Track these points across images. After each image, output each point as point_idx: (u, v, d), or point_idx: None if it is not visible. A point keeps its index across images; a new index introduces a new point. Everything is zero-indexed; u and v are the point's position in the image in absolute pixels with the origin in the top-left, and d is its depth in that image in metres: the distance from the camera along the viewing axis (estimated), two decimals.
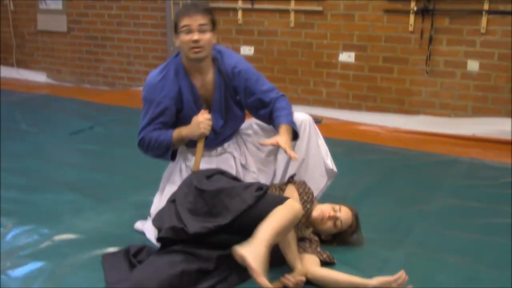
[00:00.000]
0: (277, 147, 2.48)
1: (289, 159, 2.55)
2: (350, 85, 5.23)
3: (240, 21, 5.62)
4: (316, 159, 2.69)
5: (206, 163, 2.62)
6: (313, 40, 5.30)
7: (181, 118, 2.56)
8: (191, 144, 2.61)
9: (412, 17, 4.76)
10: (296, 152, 2.49)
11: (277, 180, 2.72)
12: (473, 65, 4.65)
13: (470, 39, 4.61)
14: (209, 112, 2.56)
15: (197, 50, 2.40)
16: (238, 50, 5.64)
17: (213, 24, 2.48)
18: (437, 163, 3.93)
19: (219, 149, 2.73)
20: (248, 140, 2.76)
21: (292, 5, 5.30)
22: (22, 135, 4.56)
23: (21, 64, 7.45)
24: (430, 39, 4.72)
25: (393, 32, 4.90)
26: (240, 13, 5.59)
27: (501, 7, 4.44)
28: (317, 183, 2.71)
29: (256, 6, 5.47)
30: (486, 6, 4.47)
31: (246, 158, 2.75)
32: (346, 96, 5.27)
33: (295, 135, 2.56)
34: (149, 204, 2.76)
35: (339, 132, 4.77)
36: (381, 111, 5.10)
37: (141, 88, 6.25)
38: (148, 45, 6.35)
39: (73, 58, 6.99)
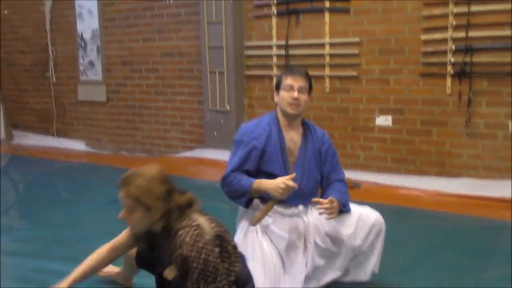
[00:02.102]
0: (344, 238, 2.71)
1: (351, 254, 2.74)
2: (388, 148, 5.18)
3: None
4: (366, 256, 2.78)
5: (280, 220, 2.72)
6: (349, 105, 5.33)
7: (264, 162, 2.71)
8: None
9: (449, 80, 4.75)
10: (357, 238, 2.70)
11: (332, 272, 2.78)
12: None
13: (510, 100, 4.56)
14: (292, 165, 2.73)
15: (295, 106, 2.66)
16: None
17: (310, 88, 2.75)
18: (486, 228, 3.80)
19: (294, 209, 2.77)
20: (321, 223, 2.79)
21: (327, 71, 5.37)
22: (64, 204, 4.62)
23: (61, 133, 7.66)
24: (469, 101, 4.68)
25: (430, 95, 4.89)
26: (275, 80, 5.68)
27: None
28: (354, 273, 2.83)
29: None
30: None
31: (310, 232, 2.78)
32: (385, 159, 5.21)
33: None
34: None
35: (379, 196, 4.68)
36: (421, 174, 5.00)
37: (177, 155, 6.36)
38: (185, 112, 6.48)
39: (111, 127, 7.16)
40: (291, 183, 2.51)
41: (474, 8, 4.57)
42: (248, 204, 2.73)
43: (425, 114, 4.95)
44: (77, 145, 7.45)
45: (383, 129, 5.18)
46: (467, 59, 4.63)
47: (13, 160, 6.47)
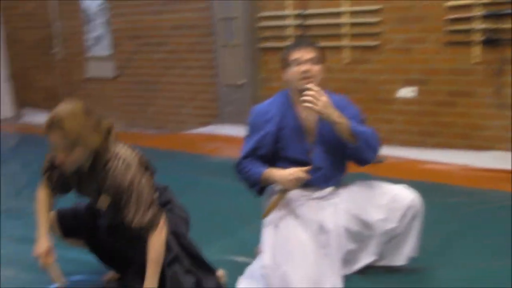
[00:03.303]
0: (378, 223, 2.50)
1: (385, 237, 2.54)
2: (411, 121, 4.97)
3: None
4: (402, 240, 2.58)
5: (307, 203, 2.56)
6: (370, 76, 5.10)
7: (281, 147, 2.56)
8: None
9: (476, 48, 4.51)
10: (390, 220, 2.48)
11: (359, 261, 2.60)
12: None
13: None
14: (312, 145, 2.53)
15: (307, 79, 2.43)
16: None
17: (321, 58, 2.51)
18: None
19: (321, 191, 2.60)
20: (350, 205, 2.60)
21: (346, 42, 5.13)
22: None
23: None
24: (499, 71, 4.44)
25: (457, 64, 4.65)
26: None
27: None
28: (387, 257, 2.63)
29: None
30: None
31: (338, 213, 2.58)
32: (408, 132, 5.00)
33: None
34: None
35: (403, 172, 4.48)
36: (447, 147, 4.80)
37: (190, 131, 6.19)
38: (197, 87, 6.27)
39: (121, 103, 6.98)
40: (302, 175, 2.39)
41: None
42: (260, 193, 2.64)
43: (451, 84, 4.72)
44: None
45: (406, 101, 4.96)
46: (496, 25, 4.37)
47: (22, 140, 6.31)
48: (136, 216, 2.14)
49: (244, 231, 3.29)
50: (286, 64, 2.51)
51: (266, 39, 5.64)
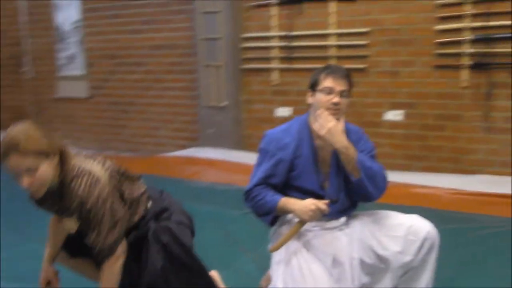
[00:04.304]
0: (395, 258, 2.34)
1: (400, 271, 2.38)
2: (398, 144, 4.92)
3: (276, 82, 5.37)
4: (417, 272, 2.43)
5: (320, 234, 2.40)
6: (356, 99, 5.02)
7: (294, 177, 2.39)
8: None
9: (465, 72, 4.51)
10: (406, 253, 2.33)
11: None
12: None
13: None
14: (327, 176, 2.38)
15: (333, 112, 2.29)
16: (272, 112, 5.41)
17: (351, 91, 2.38)
18: None
19: (334, 222, 2.44)
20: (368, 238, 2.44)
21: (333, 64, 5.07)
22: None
23: None
24: (488, 95, 4.45)
25: (445, 88, 4.65)
26: (276, 74, 5.35)
27: None
28: None
29: (295, 65, 5.23)
30: None
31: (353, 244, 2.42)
32: (395, 156, 4.95)
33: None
34: None
35: (392, 196, 4.29)
36: (434, 172, 4.76)
37: (168, 154, 5.97)
38: (176, 109, 6.08)
39: (94, 125, 6.71)
40: (323, 207, 2.23)
41: None
42: (273, 223, 2.48)
43: (439, 108, 4.70)
44: None
45: (393, 124, 4.92)
46: (486, 49, 4.39)
47: None
48: (97, 239, 2.03)
49: (243, 262, 3.12)
50: (315, 88, 2.36)
51: (249, 60, 5.53)
